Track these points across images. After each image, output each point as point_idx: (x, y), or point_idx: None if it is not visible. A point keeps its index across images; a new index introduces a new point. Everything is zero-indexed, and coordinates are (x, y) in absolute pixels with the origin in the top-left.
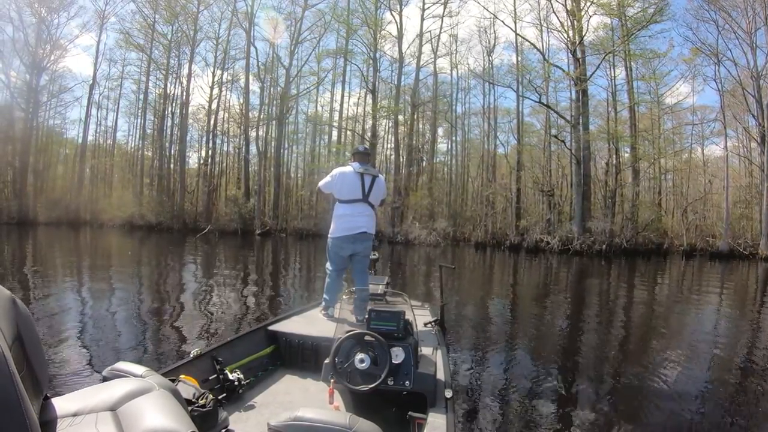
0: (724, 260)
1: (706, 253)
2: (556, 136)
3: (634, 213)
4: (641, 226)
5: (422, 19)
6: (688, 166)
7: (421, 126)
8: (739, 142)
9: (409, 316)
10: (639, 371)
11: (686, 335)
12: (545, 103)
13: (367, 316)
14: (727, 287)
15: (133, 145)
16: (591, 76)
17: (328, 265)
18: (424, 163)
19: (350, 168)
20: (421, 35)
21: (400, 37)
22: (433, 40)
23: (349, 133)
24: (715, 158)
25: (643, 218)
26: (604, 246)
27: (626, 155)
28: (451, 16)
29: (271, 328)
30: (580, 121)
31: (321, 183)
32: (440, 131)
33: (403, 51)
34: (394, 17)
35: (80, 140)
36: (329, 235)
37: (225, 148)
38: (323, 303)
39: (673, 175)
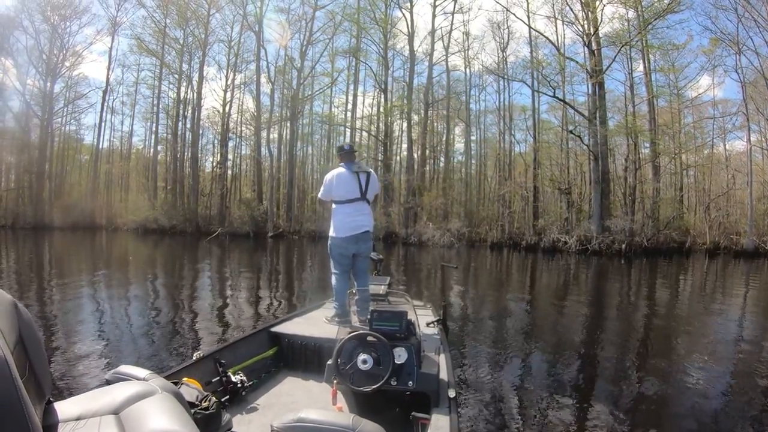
0: (749, 259)
1: (731, 252)
2: (572, 131)
3: (655, 210)
4: (662, 224)
5: (433, 16)
6: (710, 162)
7: (435, 124)
8: (762, 136)
9: (411, 316)
10: (656, 375)
11: (710, 338)
12: (561, 97)
13: (369, 317)
14: (753, 287)
15: (148, 150)
16: (607, 68)
17: (333, 268)
18: (441, 163)
19: (343, 169)
20: (432, 32)
21: (411, 35)
22: (444, 37)
23: (364, 133)
24: (737, 153)
25: (665, 216)
26: (623, 245)
27: (646, 151)
28: (462, 13)
29: (273, 329)
30: (597, 115)
31: (320, 194)
32: (457, 131)
33: (415, 49)
34: (404, 14)
35: (95, 145)
36: (331, 235)
37: (240, 151)
38: (334, 311)
39: (695, 170)
